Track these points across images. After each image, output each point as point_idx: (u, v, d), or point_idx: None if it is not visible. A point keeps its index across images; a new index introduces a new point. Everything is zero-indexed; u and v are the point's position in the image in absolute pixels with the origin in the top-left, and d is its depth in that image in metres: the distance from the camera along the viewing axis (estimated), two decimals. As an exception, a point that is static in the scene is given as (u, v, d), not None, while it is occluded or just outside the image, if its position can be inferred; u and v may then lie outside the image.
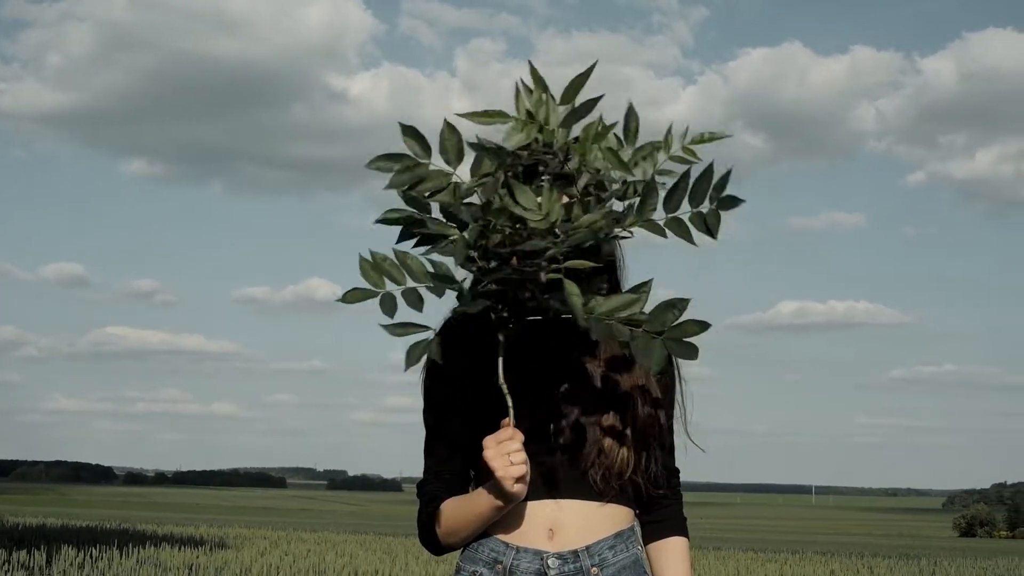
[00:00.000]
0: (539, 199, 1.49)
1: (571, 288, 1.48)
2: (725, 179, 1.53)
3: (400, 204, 1.56)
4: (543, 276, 1.51)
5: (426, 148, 1.54)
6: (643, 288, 1.52)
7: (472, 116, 1.53)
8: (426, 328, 1.52)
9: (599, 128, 1.53)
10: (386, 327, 1.52)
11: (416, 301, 1.53)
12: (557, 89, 1.54)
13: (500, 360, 1.63)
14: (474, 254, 1.53)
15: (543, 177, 1.53)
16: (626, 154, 1.56)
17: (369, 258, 1.54)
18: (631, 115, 1.59)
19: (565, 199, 1.55)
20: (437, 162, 1.54)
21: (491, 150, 1.52)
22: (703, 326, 1.48)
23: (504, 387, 1.63)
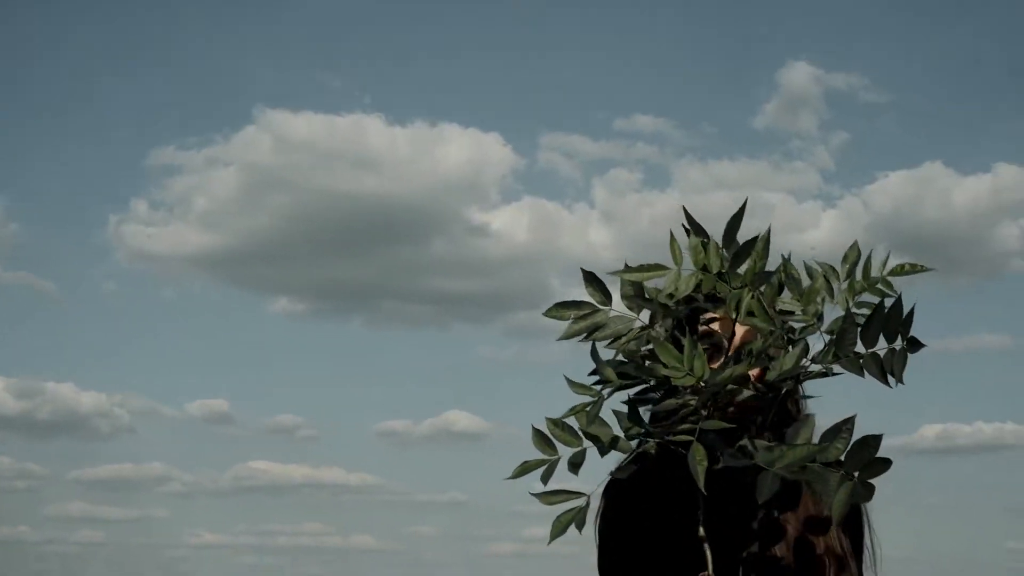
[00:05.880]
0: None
1: (698, 455, 1.41)
2: (910, 317, 1.44)
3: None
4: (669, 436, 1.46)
5: (607, 295, 1.55)
6: (845, 427, 1.42)
7: (630, 273, 1.53)
8: (580, 495, 1.49)
9: (758, 269, 1.49)
10: (538, 496, 1.49)
11: (577, 465, 1.50)
12: (704, 219, 1.51)
13: (700, 514, 1.55)
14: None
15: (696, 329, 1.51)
16: (819, 288, 1.53)
17: (544, 429, 1.52)
18: (852, 249, 1.56)
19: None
20: (619, 308, 1.55)
21: (658, 303, 1.51)
22: (886, 464, 1.39)
23: (704, 540, 1.54)
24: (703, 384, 1.43)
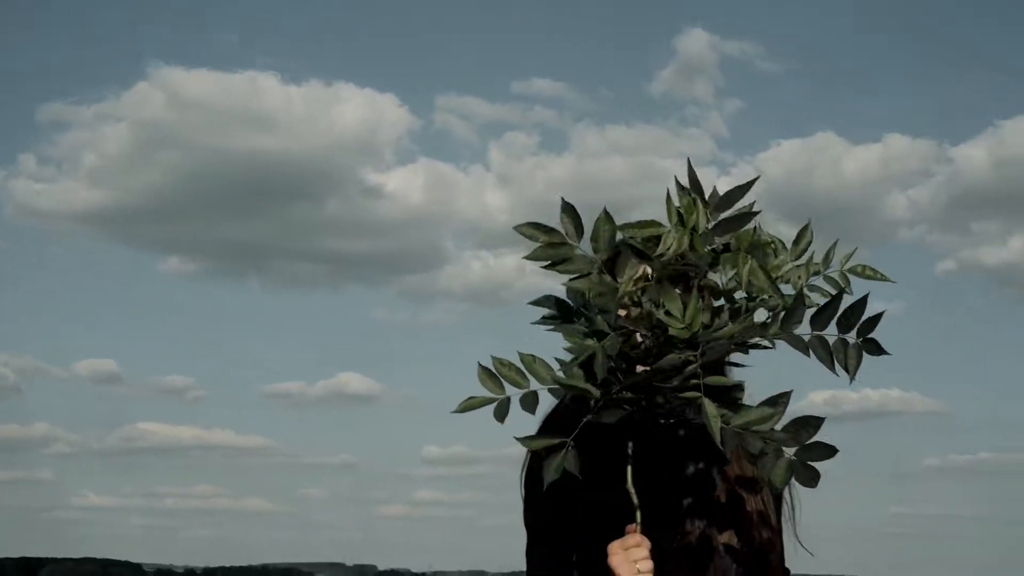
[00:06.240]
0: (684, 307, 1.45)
1: (711, 410, 1.42)
2: (875, 321, 1.49)
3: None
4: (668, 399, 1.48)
5: (579, 231, 1.52)
6: (781, 400, 1.46)
7: (627, 227, 1.52)
8: (562, 441, 1.49)
9: (752, 239, 1.50)
10: (521, 440, 1.50)
11: (532, 405, 1.49)
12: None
13: (629, 467, 1.58)
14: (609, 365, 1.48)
15: (690, 283, 1.50)
16: (784, 262, 1.54)
17: (490, 366, 1.51)
18: (805, 231, 1.58)
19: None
20: (584, 247, 1.53)
21: (640, 253, 1.49)
22: (831, 452, 1.43)
23: (632, 492, 1.57)
24: (699, 339, 1.44)
